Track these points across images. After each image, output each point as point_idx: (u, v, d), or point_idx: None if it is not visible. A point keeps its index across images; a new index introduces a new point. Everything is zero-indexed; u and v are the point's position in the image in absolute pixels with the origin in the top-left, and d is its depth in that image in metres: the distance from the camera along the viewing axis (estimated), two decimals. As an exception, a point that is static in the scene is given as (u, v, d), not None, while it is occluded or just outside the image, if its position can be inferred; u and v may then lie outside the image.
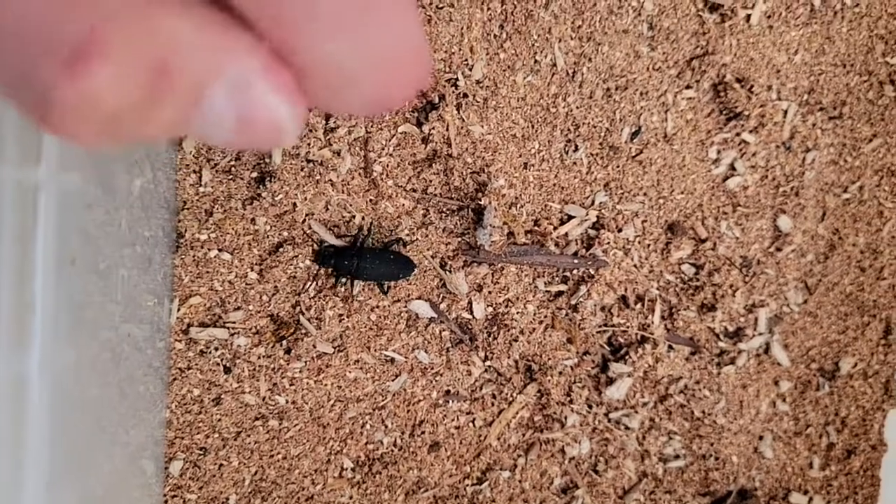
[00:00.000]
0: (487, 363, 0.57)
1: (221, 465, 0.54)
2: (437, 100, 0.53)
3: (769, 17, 0.57)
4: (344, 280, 0.54)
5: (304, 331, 0.54)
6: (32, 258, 0.31)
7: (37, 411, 0.32)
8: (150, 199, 0.48)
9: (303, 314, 0.54)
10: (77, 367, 0.37)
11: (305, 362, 0.54)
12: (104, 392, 0.44)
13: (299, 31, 0.18)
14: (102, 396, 0.44)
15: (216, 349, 0.53)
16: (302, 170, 0.52)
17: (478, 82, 0.53)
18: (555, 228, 0.57)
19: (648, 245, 0.58)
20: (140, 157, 0.45)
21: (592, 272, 0.57)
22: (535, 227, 0.56)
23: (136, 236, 0.46)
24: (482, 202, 0.54)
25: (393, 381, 0.56)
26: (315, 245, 0.53)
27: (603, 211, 0.57)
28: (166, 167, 0.50)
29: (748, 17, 0.57)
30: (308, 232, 0.53)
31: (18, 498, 0.31)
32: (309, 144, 0.51)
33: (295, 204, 0.52)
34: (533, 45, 0.54)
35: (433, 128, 0.53)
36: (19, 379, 0.31)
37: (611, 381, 0.58)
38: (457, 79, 0.53)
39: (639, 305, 0.58)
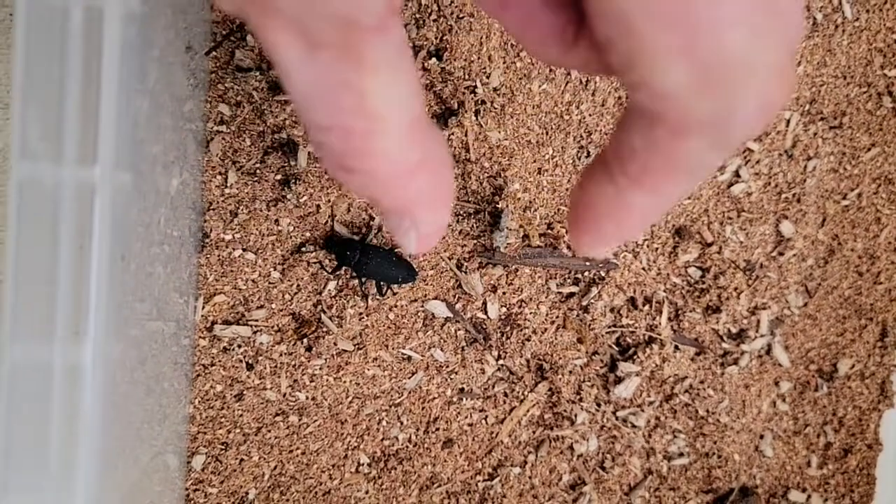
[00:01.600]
0: (500, 362, 0.59)
1: (242, 459, 0.56)
2: (456, 106, 0.55)
3: (774, 29, 0.59)
4: (347, 271, 0.55)
5: (325, 329, 0.55)
6: (89, 254, 0.32)
7: (90, 403, 0.33)
8: (179, 199, 0.49)
9: (324, 312, 0.55)
10: (117, 362, 0.38)
11: (326, 359, 0.55)
12: (132, 388, 0.45)
13: (702, 21, 0.20)
14: (130, 392, 0.45)
15: (239, 346, 0.55)
16: (326, 173, 0.54)
17: (495, 90, 0.55)
18: (567, 232, 0.58)
19: (656, 248, 0.60)
20: (172, 159, 0.46)
21: (603, 274, 0.59)
22: (549, 231, 0.58)
23: (164, 236, 0.48)
24: (498, 205, 0.56)
25: (409, 378, 0.57)
26: (327, 233, 0.55)
27: (613, 215, 0.59)
28: (193, 169, 0.51)
29: (754, 29, 0.59)
30: (330, 233, 0.55)
31: (73, 486, 0.32)
32: (333, 148, 0.53)
33: (318, 206, 0.54)
34: (548, 54, 0.56)
35: (452, 133, 0.55)
36: (75, 370, 0.32)
37: (619, 381, 0.60)
38: (475, 86, 0.55)
39: (647, 307, 0.60)
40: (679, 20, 0.20)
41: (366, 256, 0.53)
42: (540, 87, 0.56)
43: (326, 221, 0.55)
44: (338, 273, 0.55)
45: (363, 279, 0.55)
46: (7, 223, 0.31)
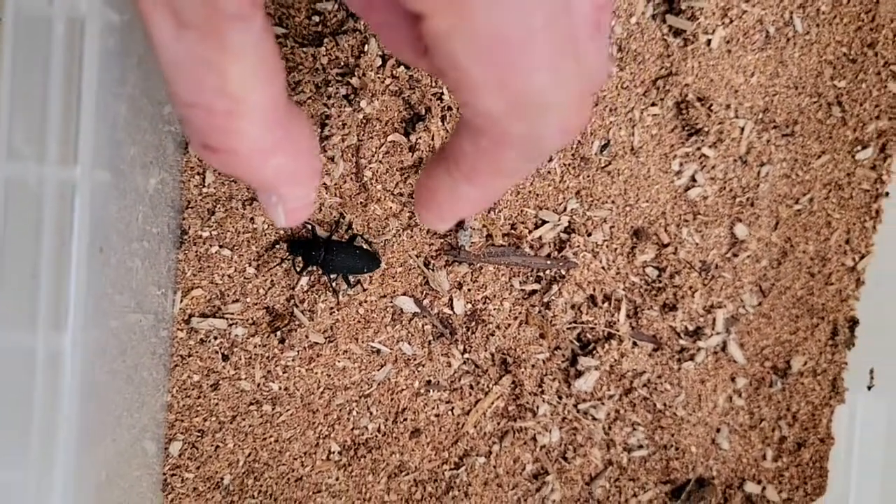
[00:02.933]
0: (466, 356, 0.62)
1: (218, 446, 0.58)
2: (423, 112, 0.58)
3: (728, 42, 0.62)
4: (311, 270, 0.58)
5: (297, 322, 0.58)
6: (69, 247, 0.35)
7: (69, 387, 0.36)
8: (158, 198, 0.52)
9: (297, 307, 0.58)
10: (94, 350, 0.41)
11: (298, 351, 0.58)
12: (112, 377, 0.48)
13: (513, 65, 0.24)
14: (110, 381, 0.47)
15: (215, 338, 0.57)
16: (193, 152, 0.56)
17: (461, 96, 0.58)
18: (530, 232, 0.61)
19: (615, 249, 0.63)
20: (151, 160, 0.49)
21: (564, 273, 0.62)
22: (512, 231, 0.61)
23: (143, 232, 0.50)
24: (463, 206, 0.58)
25: (378, 370, 0.60)
26: (288, 237, 0.57)
27: (574, 217, 0.62)
28: (172, 169, 0.54)
29: (709, 41, 0.62)
30: (303, 231, 0.58)
31: (52, 463, 0.35)
32: (305, 151, 0.56)
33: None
34: (512, 63, 0.58)
35: (419, 137, 0.57)
36: (56, 356, 0.35)
37: (579, 374, 0.63)
38: (442, 93, 0.58)
39: (606, 304, 0.63)
40: (496, 62, 0.24)
41: (330, 253, 0.56)
42: (504, 94, 0.59)
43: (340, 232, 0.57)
44: (309, 270, 0.58)
45: (332, 275, 0.58)
46: (-7, 218, 0.34)
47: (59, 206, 0.34)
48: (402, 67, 0.57)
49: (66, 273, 0.35)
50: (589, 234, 0.62)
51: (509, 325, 0.62)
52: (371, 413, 0.61)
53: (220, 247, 0.57)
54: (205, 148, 0.29)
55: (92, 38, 0.34)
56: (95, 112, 0.35)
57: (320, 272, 0.58)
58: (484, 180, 0.30)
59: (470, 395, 0.63)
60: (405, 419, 0.61)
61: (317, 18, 0.56)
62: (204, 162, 0.56)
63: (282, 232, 0.58)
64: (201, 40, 0.26)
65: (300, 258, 0.57)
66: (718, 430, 0.68)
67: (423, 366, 0.61)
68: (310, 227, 0.57)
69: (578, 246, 0.62)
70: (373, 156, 0.58)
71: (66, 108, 0.34)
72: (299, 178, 0.32)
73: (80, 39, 0.34)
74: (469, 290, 0.61)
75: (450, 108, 0.58)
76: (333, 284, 0.58)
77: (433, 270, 0.60)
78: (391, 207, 0.59)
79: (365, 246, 0.58)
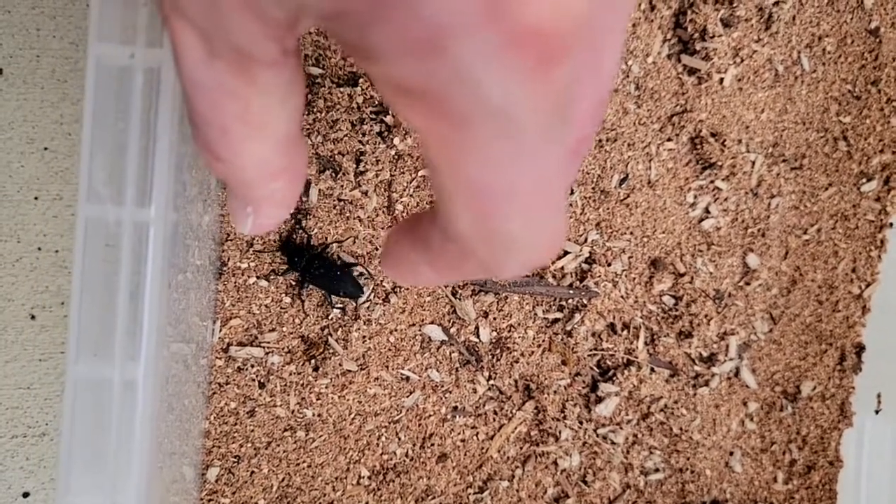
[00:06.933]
0: (491, 382, 0.64)
1: (253, 472, 0.60)
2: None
3: (740, 80, 0.65)
4: (290, 273, 0.59)
5: (331, 350, 0.60)
6: (144, 284, 0.37)
7: (141, 417, 0.38)
8: (202, 231, 0.54)
9: (331, 335, 0.60)
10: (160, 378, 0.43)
11: (331, 379, 0.60)
12: (158, 405, 0.49)
13: (491, 212, 0.26)
14: (157, 409, 0.49)
15: (252, 366, 0.59)
16: (334, 208, 0.59)
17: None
18: (552, 263, 0.64)
19: (634, 278, 0.66)
20: (202, 196, 0.51)
21: (585, 302, 0.64)
22: (536, 261, 0.63)
23: (187, 264, 0.52)
24: (491, 238, 0.61)
25: (407, 397, 0.62)
26: (283, 237, 0.59)
27: (594, 248, 0.64)
28: (214, 203, 0.56)
29: (721, 80, 0.65)
30: (286, 238, 0.59)
31: (126, 491, 0.37)
32: (342, 186, 0.58)
33: (327, 238, 0.59)
34: (536, 101, 0.61)
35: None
36: (131, 385, 0.37)
37: (600, 400, 0.65)
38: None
39: (625, 332, 0.66)
40: (476, 204, 0.25)
41: (312, 265, 0.58)
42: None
43: (333, 252, 0.60)
44: (341, 303, 0.60)
45: (329, 292, 0.59)
46: (74, 256, 0.36)
47: (134, 245, 0.36)
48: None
49: (140, 307, 0.37)
50: (609, 265, 0.65)
51: (533, 352, 0.64)
52: (400, 438, 0.63)
53: (258, 278, 0.59)
54: (212, 155, 0.29)
55: (166, 87, 0.37)
56: (168, 155, 0.37)
57: (300, 284, 0.59)
58: (443, 271, 0.31)
59: (494, 420, 0.64)
60: (432, 444, 0.63)
61: (351, 60, 0.59)
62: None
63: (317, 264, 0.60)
64: (229, 72, 0.26)
65: (286, 262, 0.59)
66: (732, 454, 0.70)
67: (450, 392, 0.63)
68: (307, 237, 0.59)
69: (599, 276, 0.64)
70: (404, 190, 0.60)
71: (143, 152, 0.36)
72: (284, 202, 0.33)
73: (156, 87, 0.36)
74: (494, 318, 0.63)
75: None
76: (331, 298, 0.60)
77: (460, 300, 0.62)
78: (421, 239, 0.61)
79: (360, 271, 0.60)
